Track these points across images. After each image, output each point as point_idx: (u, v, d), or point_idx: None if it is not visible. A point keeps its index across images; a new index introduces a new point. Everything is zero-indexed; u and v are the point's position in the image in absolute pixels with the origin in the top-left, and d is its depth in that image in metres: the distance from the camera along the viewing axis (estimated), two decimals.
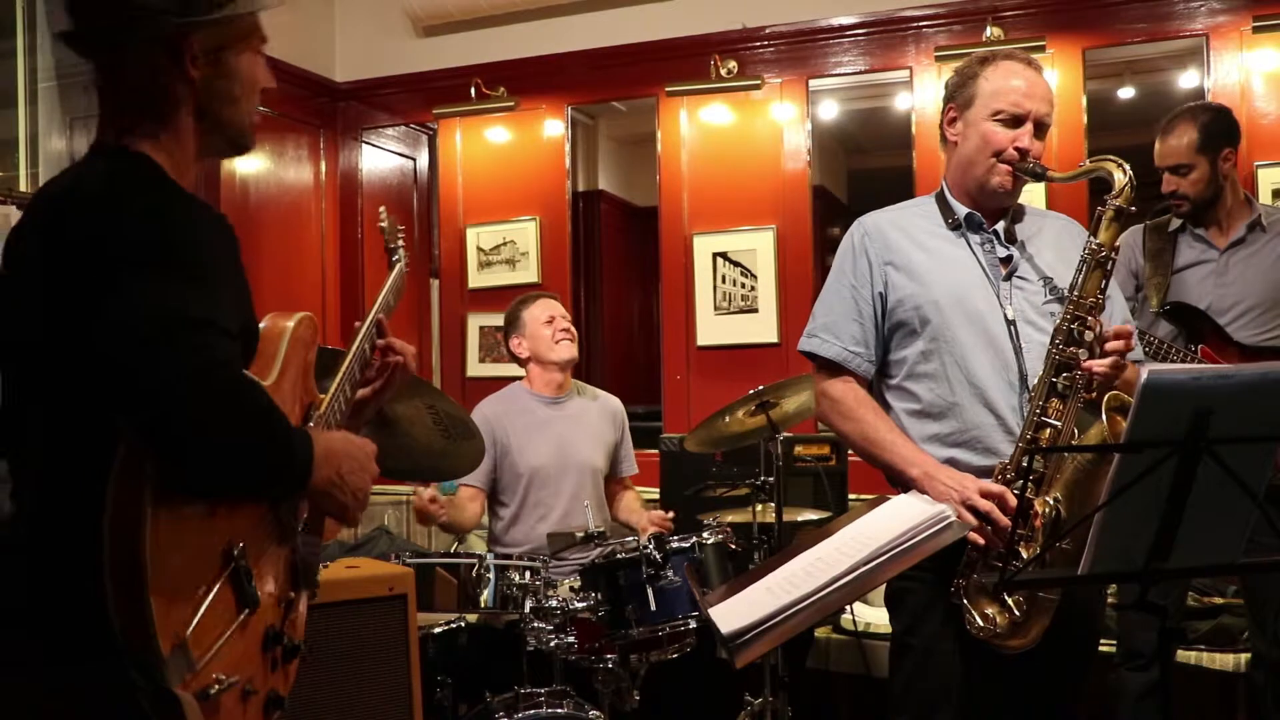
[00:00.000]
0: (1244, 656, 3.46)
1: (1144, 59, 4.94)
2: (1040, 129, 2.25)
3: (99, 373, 1.35)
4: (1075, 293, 2.13)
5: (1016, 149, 2.22)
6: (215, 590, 1.43)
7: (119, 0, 1.50)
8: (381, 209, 2.34)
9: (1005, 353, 2.21)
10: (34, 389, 1.44)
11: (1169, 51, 4.68)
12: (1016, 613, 2.07)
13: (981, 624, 2.08)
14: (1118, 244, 2.14)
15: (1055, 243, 2.32)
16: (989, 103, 2.24)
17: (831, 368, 2.33)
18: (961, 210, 2.31)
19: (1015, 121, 2.23)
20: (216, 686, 1.40)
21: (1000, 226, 2.30)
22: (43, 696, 1.42)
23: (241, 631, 1.48)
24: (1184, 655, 3.53)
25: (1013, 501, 2.05)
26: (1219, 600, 3.66)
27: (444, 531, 3.69)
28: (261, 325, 1.66)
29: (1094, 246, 2.14)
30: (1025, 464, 2.07)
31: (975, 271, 2.26)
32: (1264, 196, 4.04)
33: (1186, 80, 4.64)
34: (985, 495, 2.06)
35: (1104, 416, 1.99)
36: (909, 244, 2.30)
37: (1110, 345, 2.09)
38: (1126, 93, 5.20)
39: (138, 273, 1.36)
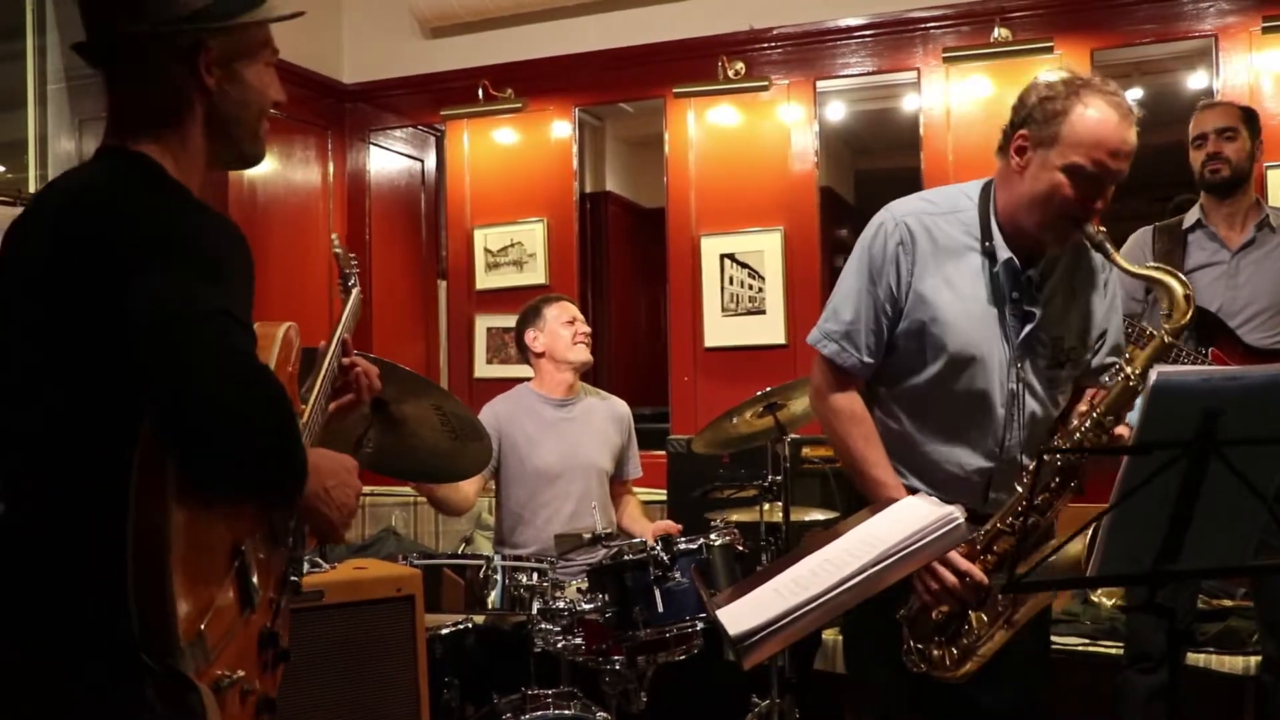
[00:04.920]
0: (1253, 659, 3.45)
1: (1153, 60, 4.92)
2: (1114, 185, 2.08)
3: (121, 364, 1.37)
4: (1097, 408, 2.02)
5: (1087, 209, 2.05)
6: (225, 585, 1.44)
7: (140, 9, 1.51)
8: (334, 235, 2.43)
9: (995, 422, 2.18)
10: (33, 390, 1.45)
11: (1178, 52, 4.67)
12: (950, 658, 2.08)
13: (917, 659, 2.11)
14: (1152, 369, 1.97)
15: (1076, 290, 2.23)
16: (1071, 153, 2.02)
17: (842, 374, 2.26)
18: (1003, 252, 2.14)
19: (1094, 181, 2.03)
20: (226, 680, 1.41)
21: (1034, 273, 2.16)
22: (48, 692, 1.42)
23: (243, 630, 1.50)
24: (1193, 658, 3.52)
25: (981, 578, 2.04)
26: (1228, 603, 3.66)
27: (435, 508, 3.68)
28: None
29: (1129, 374, 2.00)
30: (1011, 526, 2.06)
31: (994, 332, 2.16)
32: (1274, 198, 4.03)
33: (1195, 81, 4.63)
34: (953, 571, 2.04)
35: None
36: (938, 272, 2.16)
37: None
38: (1135, 94, 5.18)
39: (152, 267, 1.38)
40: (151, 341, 1.35)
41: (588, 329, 3.77)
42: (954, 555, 2.04)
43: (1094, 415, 2.02)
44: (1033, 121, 2.08)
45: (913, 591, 2.09)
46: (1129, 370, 2.01)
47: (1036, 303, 2.17)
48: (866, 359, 2.23)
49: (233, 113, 1.59)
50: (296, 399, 1.77)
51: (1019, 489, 2.09)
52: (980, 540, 2.09)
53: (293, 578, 1.69)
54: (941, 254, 2.18)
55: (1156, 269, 2.08)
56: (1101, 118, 2.03)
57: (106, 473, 1.35)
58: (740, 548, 3.07)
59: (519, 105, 5.12)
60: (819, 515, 3.61)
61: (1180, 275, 2.04)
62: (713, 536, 3.03)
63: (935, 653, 2.10)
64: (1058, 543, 1.97)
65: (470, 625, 3.02)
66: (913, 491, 2.18)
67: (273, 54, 1.65)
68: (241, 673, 1.45)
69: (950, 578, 2.03)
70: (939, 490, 2.18)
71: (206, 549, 1.42)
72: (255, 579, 1.51)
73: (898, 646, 2.16)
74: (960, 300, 2.16)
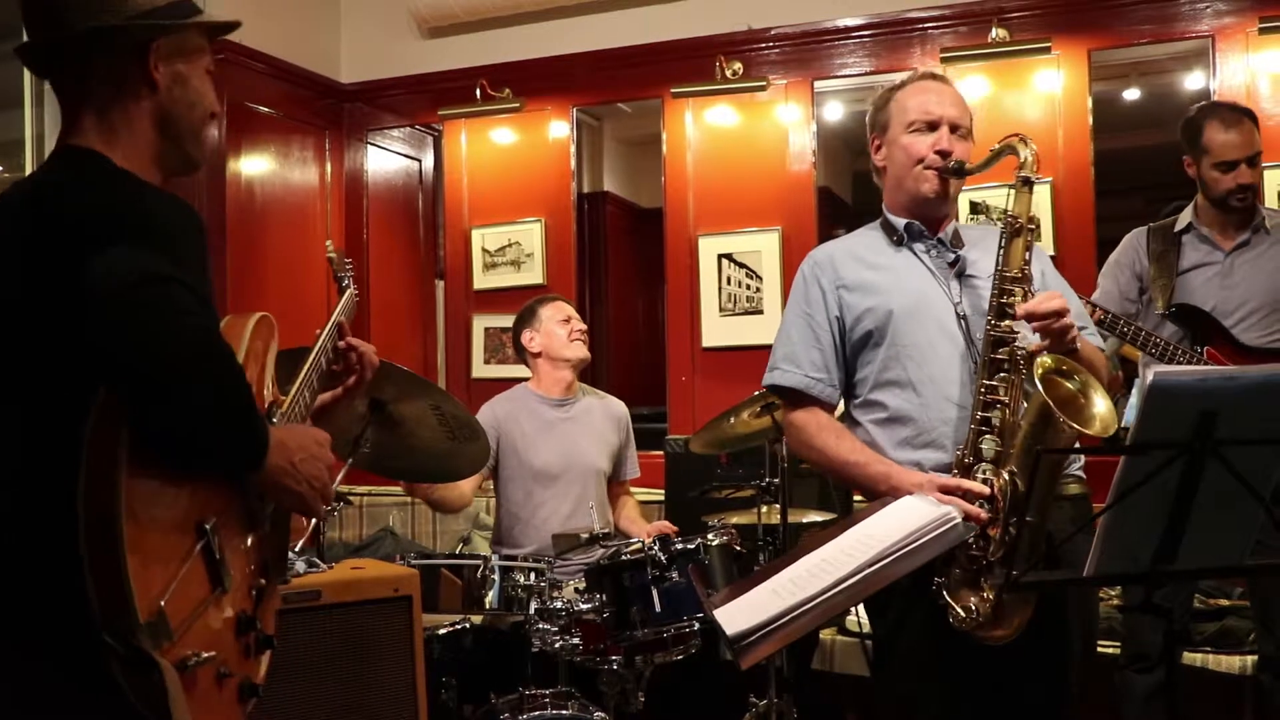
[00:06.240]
0: (1250, 659, 3.45)
1: (1150, 60, 4.92)
2: (958, 131, 2.33)
3: (71, 342, 1.39)
4: (999, 266, 2.18)
5: (937, 152, 2.31)
6: (189, 563, 1.44)
7: (101, 5, 1.55)
8: (328, 242, 2.48)
9: (962, 347, 2.24)
10: None
11: (1175, 53, 4.66)
12: (995, 608, 2.05)
13: (964, 616, 2.07)
14: (1033, 213, 2.19)
15: (994, 251, 2.30)
16: (902, 118, 2.37)
17: (796, 397, 2.36)
18: (901, 223, 2.38)
19: (930, 128, 2.33)
20: (194, 660, 1.41)
21: (944, 234, 2.37)
22: (13, 673, 1.43)
23: (215, 610, 1.49)
24: (1190, 657, 3.52)
25: (978, 488, 2.06)
26: (1225, 602, 3.66)
27: (432, 508, 3.69)
28: (221, 324, 1.68)
29: (1009, 218, 2.19)
30: (982, 446, 2.10)
31: (925, 274, 2.33)
32: (1270, 198, 4.03)
33: (1192, 82, 4.63)
34: (944, 490, 2.06)
35: (1038, 384, 1.97)
36: (858, 265, 2.37)
37: (1029, 311, 2.08)
38: (1132, 94, 5.19)
39: (104, 247, 1.40)
40: (106, 307, 1.37)
41: (583, 326, 3.77)
42: (939, 478, 2.09)
43: (997, 274, 2.18)
44: (873, 127, 2.48)
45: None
46: (1011, 214, 2.20)
47: (953, 249, 2.34)
48: (813, 374, 2.34)
49: (179, 112, 1.64)
50: (274, 391, 1.78)
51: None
52: (965, 452, 2.12)
53: (280, 563, 1.69)
54: (859, 257, 2.40)
55: (1003, 141, 2.26)
56: (913, 86, 2.41)
57: (57, 451, 1.36)
58: (738, 548, 3.07)
59: (517, 105, 5.12)
60: (816, 516, 3.61)
61: (1022, 135, 2.24)
62: (710, 536, 3.03)
63: (982, 608, 2.05)
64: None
65: (468, 625, 3.02)
66: (919, 464, 2.19)
67: (211, 63, 1.71)
68: (213, 653, 1.44)
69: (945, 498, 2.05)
70: (958, 443, 2.17)
71: (165, 525, 1.42)
72: (226, 559, 1.50)
73: (927, 654, 2.16)
74: (883, 270, 2.35)
